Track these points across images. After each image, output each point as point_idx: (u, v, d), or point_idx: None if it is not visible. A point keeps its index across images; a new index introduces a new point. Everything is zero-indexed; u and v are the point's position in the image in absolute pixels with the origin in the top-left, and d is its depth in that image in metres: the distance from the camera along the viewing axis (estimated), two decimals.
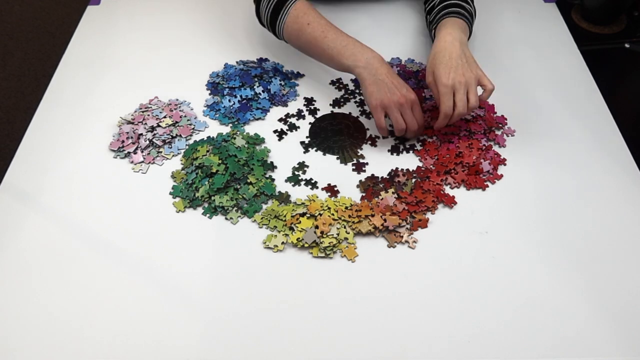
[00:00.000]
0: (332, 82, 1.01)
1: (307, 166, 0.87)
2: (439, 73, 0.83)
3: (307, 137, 0.91)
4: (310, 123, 0.94)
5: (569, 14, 1.39)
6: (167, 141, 0.90)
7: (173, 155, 0.89)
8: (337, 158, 0.88)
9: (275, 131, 0.93)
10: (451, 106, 0.83)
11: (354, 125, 0.93)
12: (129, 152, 0.88)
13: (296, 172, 0.86)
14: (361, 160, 0.88)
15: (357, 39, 0.90)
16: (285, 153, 0.89)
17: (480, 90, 0.86)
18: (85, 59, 1.05)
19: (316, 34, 0.90)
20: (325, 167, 0.87)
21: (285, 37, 0.96)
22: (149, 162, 0.87)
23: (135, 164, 0.87)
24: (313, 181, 0.85)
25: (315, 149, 0.89)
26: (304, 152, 0.89)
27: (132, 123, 0.92)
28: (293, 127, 0.93)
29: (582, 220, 0.80)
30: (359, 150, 0.89)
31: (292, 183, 0.85)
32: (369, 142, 0.91)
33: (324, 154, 0.89)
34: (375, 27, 1.11)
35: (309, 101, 0.97)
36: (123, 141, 0.89)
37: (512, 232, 0.78)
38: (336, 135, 0.91)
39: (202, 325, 0.69)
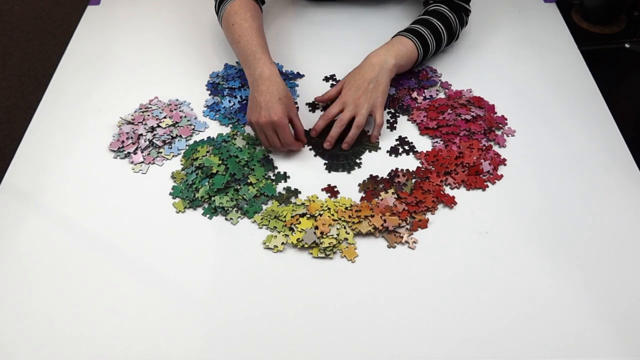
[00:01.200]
0: (326, 78, 1.01)
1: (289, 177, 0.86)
2: (344, 87, 0.90)
3: (325, 164, 0.87)
4: (316, 148, 0.90)
5: (569, 14, 1.39)
6: (167, 141, 0.90)
7: (173, 156, 0.89)
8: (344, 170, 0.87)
9: None
10: (333, 113, 0.89)
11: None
12: (129, 153, 0.88)
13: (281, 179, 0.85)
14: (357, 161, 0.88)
15: (266, 48, 0.90)
16: (285, 153, 0.89)
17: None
18: (85, 59, 1.05)
19: (235, 36, 0.93)
20: (324, 167, 0.87)
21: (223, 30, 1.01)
22: (149, 163, 0.87)
23: (135, 164, 0.87)
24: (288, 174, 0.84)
25: (339, 169, 0.87)
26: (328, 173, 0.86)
27: (132, 123, 0.92)
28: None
29: (582, 220, 0.80)
30: (358, 159, 0.88)
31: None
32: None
33: (348, 173, 0.86)
34: (375, 28, 1.11)
35: (313, 105, 0.97)
36: (123, 141, 0.89)
37: (512, 232, 0.78)
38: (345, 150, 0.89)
39: (202, 326, 0.69)
